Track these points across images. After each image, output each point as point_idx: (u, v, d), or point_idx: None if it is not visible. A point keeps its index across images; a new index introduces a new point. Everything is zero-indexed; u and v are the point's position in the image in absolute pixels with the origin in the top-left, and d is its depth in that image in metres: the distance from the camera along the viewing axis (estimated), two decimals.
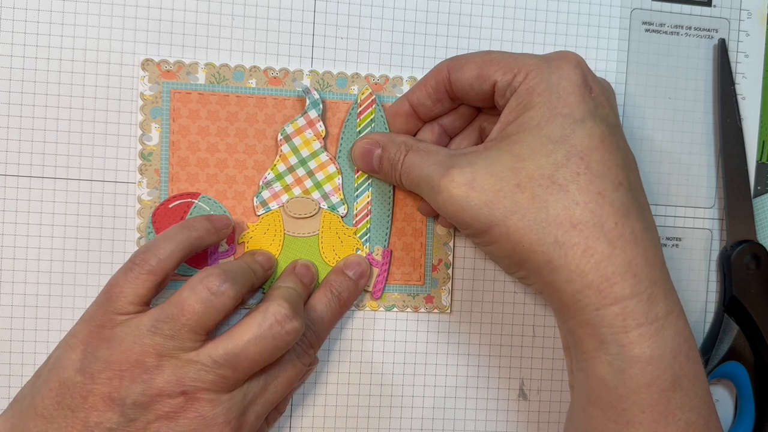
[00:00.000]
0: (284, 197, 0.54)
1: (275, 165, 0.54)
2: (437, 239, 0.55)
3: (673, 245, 0.58)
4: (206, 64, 0.52)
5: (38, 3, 0.51)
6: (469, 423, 0.56)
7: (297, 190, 0.54)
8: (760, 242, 0.57)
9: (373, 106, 0.53)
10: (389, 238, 0.55)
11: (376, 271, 0.55)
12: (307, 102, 0.53)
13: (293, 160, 0.54)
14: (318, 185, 0.54)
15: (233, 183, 0.53)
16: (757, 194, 0.58)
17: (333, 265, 0.54)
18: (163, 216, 0.52)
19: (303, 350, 0.50)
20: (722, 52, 0.57)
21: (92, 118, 0.52)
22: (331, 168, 0.54)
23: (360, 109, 0.54)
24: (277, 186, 0.54)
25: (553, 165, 0.44)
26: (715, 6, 0.58)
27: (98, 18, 0.51)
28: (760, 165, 0.58)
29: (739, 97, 0.58)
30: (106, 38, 0.52)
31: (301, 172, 0.54)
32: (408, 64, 0.54)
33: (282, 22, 0.53)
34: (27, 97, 0.51)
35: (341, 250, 0.55)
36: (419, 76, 0.54)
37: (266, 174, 0.53)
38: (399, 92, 0.54)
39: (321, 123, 0.53)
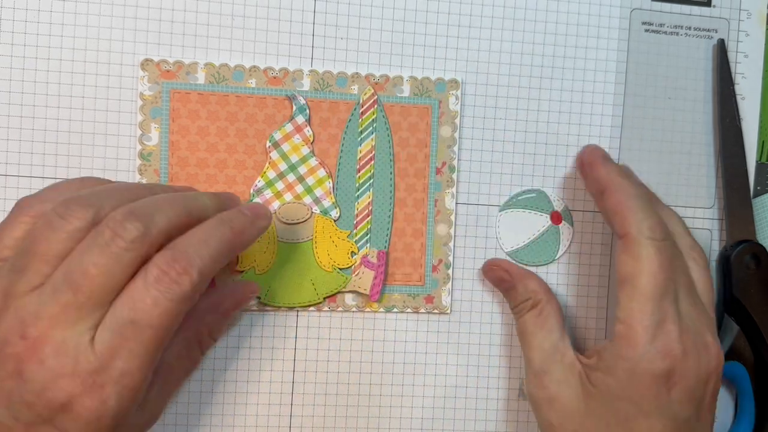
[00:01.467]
0: (275, 204, 0.54)
1: (265, 172, 0.54)
2: (437, 240, 0.55)
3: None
4: (206, 64, 0.52)
5: (38, 3, 0.51)
6: (469, 423, 0.57)
7: (288, 196, 0.54)
8: (760, 242, 0.57)
9: (375, 106, 0.54)
10: (390, 238, 0.55)
11: (372, 273, 0.55)
12: (294, 108, 0.53)
13: (283, 166, 0.54)
14: (309, 190, 0.54)
15: (233, 183, 0.53)
16: (757, 194, 0.58)
17: (329, 270, 0.54)
18: None
19: (168, 276, 0.40)
20: (722, 52, 0.57)
21: (92, 118, 0.52)
22: (321, 172, 0.54)
23: (362, 109, 0.54)
24: (268, 193, 0.54)
25: None
26: (714, 6, 0.58)
27: (98, 18, 0.51)
28: (759, 165, 0.58)
29: (738, 97, 0.58)
30: (106, 38, 0.52)
31: (291, 177, 0.54)
32: (408, 64, 0.54)
33: (282, 22, 0.53)
34: (27, 97, 0.51)
35: (336, 254, 0.55)
36: (420, 75, 0.54)
37: (256, 182, 0.53)
38: (399, 92, 0.54)
39: (309, 128, 0.53)
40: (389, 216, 0.55)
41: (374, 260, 0.55)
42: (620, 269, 0.48)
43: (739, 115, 0.57)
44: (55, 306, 0.38)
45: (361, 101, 0.54)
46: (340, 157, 0.54)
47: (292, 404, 0.55)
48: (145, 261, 0.40)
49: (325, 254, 0.54)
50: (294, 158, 0.54)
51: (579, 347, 0.55)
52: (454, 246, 0.56)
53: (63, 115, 0.51)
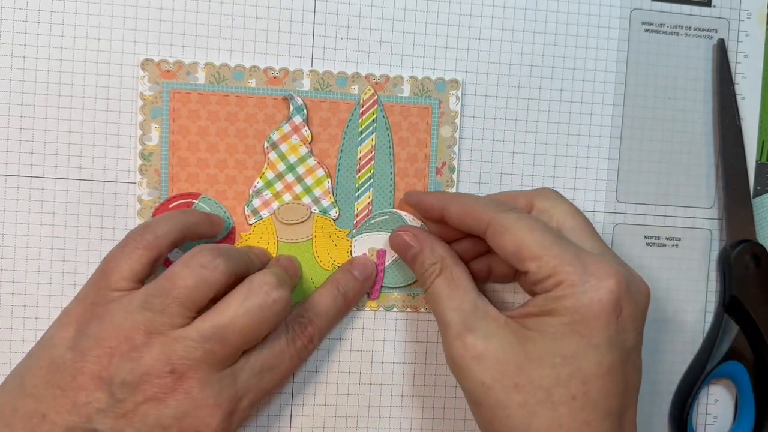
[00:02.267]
0: (275, 204, 0.54)
1: (263, 173, 0.54)
2: None
3: (672, 245, 0.58)
4: (206, 64, 0.52)
5: (38, 3, 0.51)
6: (469, 423, 0.56)
7: (287, 197, 0.54)
8: (760, 242, 0.57)
9: (375, 106, 0.54)
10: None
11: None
12: (291, 108, 0.53)
13: (281, 166, 0.54)
14: (308, 190, 0.54)
15: (233, 183, 0.53)
16: (757, 194, 0.58)
17: (329, 269, 0.55)
18: None
19: (301, 341, 0.49)
20: (722, 52, 0.57)
21: (93, 118, 0.52)
22: (320, 172, 0.54)
23: (362, 109, 0.54)
24: (267, 194, 0.54)
25: (554, 380, 0.44)
26: (714, 6, 0.58)
27: (98, 18, 0.51)
28: (759, 165, 0.58)
29: (738, 97, 0.58)
30: (107, 38, 0.52)
31: (290, 178, 0.54)
32: (408, 64, 0.54)
33: (282, 22, 0.53)
34: (27, 97, 0.51)
35: (335, 253, 0.55)
36: (420, 75, 0.54)
37: (255, 182, 0.54)
38: (399, 92, 0.54)
39: (306, 128, 0.53)
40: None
41: (374, 258, 0.55)
42: (506, 249, 0.46)
43: (739, 115, 0.57)
44: (203, 352, 0.44)
45: (361, 101, 0.54)
46: (340, 157, 0.54)
47: (292, 404, 0.55)
48: None
49: (324, 253, 0.55)
50: (292, 158, 0.54)
51: None
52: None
53: (63, 115, 0.51)
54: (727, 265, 0.57)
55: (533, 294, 0.47)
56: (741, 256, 0.56)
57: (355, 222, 0.54)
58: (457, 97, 0.55)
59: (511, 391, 0.44)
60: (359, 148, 0.54)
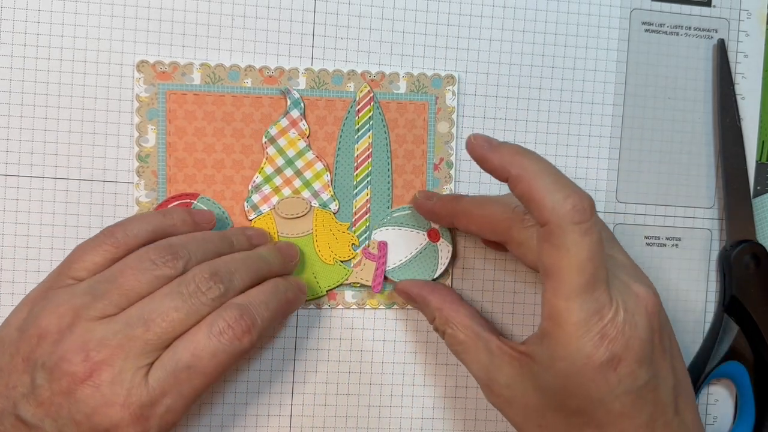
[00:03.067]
0: (274, 199, 0.54)
1: (262, 168, 0.54)
2: None
3: (672, 245, 0.58)
4: (201, 65, 0.52)
5: (38, 3, 0.51)
6: (469, 423, 0.56)
7: (286, 191, 0.54)
8: (760, 242, 0.57)
9: (372, 103, 0.54)
10: None
11: (373, 265, 0.55)
12: (288, 102, 0.53)
13: (280, 161, 0.54)
14: (307, 184, 0.54)
15: (231, 183, 0.53)
16: (757, 194, 0.58)
17: (330, 263, 0.54)
18: None
19: (229, 334, 0.43)
20: (722, 52, 0.57)
21: (92, 119, 0.52)
22: (319, 165, 0.54)
23: (359, 107, 0.54)
24: (267, 189, 0.54)
25: (568, 426, 0.45)
26: (714, 6, 0.58)
27: (98, 18, 0.52)
28: (759, 165, 0.58)
29: (738, 97, 0.58)
30: (106, 38, 0.52)
31: (289, 172, 0.54)
32: (408, 64, 0.54)
33: (282, 22, 0.53)
34: (27, 97, 0.51)
35: (336, 247, 0.54)
36: (416, 73, 0.54)
37: (254, 178, 0.54)
38: (395, 88, 0.54)
39: (304, 122, 0.53)
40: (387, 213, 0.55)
41: (375, 251, 0.55)
42: (543, 260, 0.43)
43: (739, 115, 0.57)
44: (124, 338, 0.42)
45: (357, 99, 0.54)
46: (338, 154, 0.54)
47: (292, 404, 0.55)
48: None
49: (326, 247, 0.54)
50: (291, 153, 0.54)
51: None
52: (453, 244, 0.56)
53: (63, 115, 0.52)
54: (727, 265, 0.57)
55: None
56: (741, 256, 0.56)
57: (353, 219, 0.54)
58: (454, 93, 0.55)
59: (536, 430, 0.46)
60: (356, 146, 0.54)
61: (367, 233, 0.55)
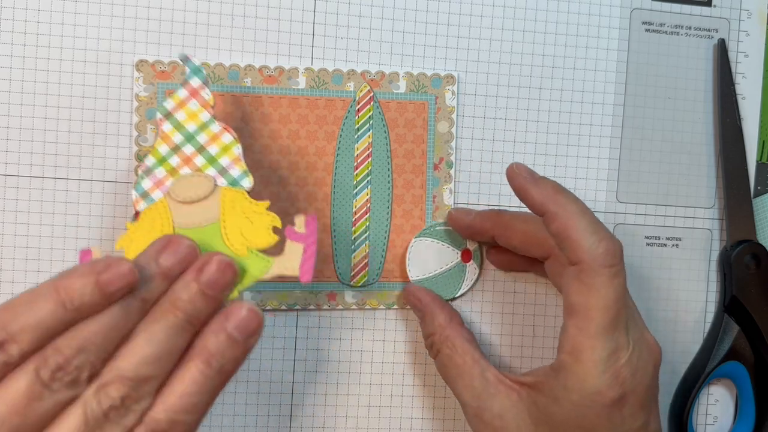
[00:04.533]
0: (169, 183, 0.45)
1: (156, 147, 0.45)
2: None
3: (673, 245, 0.58)
4: (201, 64, 0.52)
5: (38, 3, 0.51)
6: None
7: (185, 171, 0.45)
8: (760, 242, 0.57)
9: (372, 103, 0.54)
10: (388, 235, 0.55)
11: (301, 246, 0.45)
12: (187, 70, 0.46)
13: (177, 138, 0.45)
14: (212, 160, 0.45)
15: None
16: (757, 194, 0.58)
17: (244, 254, 0.43)
18: None
19: None
20: (722, 52, 0.57)
21: (91, 118, 0.52)
22: (227, 137, 0.45)
23: (358, 106, 0.54)
24: (160, 171, 0.45)
25: None
26: (715, 6, 0.58)
27: (98, 18, 0.52)
28: (760, 165, 0.58)
29: (738, 97, 0.58)
30: (106, 38, 0.52)
31: (189, 149, 0.45)
32: (408, 64, 0.54)
33: (282, 22, 0.53)
34: (27, 97, 0.51)
35: (252, 232, 0.44)
36: (416, 73, 0.54)
37: (145, 160, 0.45)
38: (395, 88, 0.54)
39: (207, 90, 0.46)
40: (387, 213, 0.54)
41: (302, 230, 0.45)
42: (571, 298, 0.44)
43: (739, 115, 0.57)
44: None
45: (357, 98, 0.54)
46: (337, 154, 0.54)
47: (292, 404, 0.55)
48: None
49: (237, 235, 0.44)
50: (191, 127, 0.45)
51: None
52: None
53: (63, 115, 0.52)
54: (727, 265, 0.57)
55: None
56: (741, 256, 0.56)
57: (353, 220, 0.54)
58: (453, 93, 0.55)
59: None
60: (356, 145, 0.54)
61: (368, 233, 0.54)
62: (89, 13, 0.51)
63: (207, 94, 0.46)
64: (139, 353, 0.35)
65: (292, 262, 0.44)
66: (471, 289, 0.56)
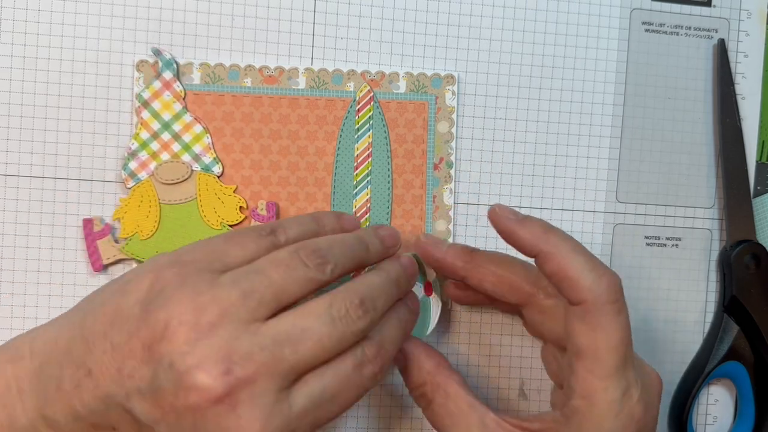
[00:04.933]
0: (153, 165, 0.52)
1: (138, 133, 0.52)
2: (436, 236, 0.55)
3: (673, 245, 0.58)
4: (201, 64, 0.52)
5: (38, 3, 0.51)
6: None
7: (165, 156, 0.52)
8: (760, 242, 0.57)
9: (372, 103, 0.54)
10: None
11: None
12: (160, 64, 0.52)
13: (155, 125, 0.52)
14: (186, 147, 0.52)
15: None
16: (757, 194, 0.58)
17: (218, 227, 0.53)
18: None
19: (371, 368, 0.42)
20: (722, 52, 0.57)
21: (92, 118, 0.52)
22: (198, 128, 0.52)
23: (358, 106, 0.54)
24: (144, 155, 0.52)
25: None
26: (714, 6, 0.58)
27: (98, 18, 0.52)
28: (759, 165, 0.58)
29: (738, 97, 0.58)
30: (106, 38, 0.52)
31: (166, 136, 0.52)
32: (408, 64, 0.54)
33: (282, 22, 0.53)
34: (27, 97, 0.51)
35: (223, 210, 0.53)
36: (416, 73, 0.54)
37: (130, 144, 0.52)
38: (395, 88, 0.54)
39: (178, 83, 0.52)
40: (387, 213, 0.54)
41: (264, 212, 0.53)
42: (577, 340, 0.42)
43: (739, 115, 0.57)
44: (270, 356, 0.38)
45: (357, 98, 0.54)
46: (338, 154, 0.54)
47: None
48: None
49: (212, 212, 0.53)
50: (166, 116, 0.52)
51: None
52: (453, 242, 0.55)
53: (63, 115, 0.52)
54: (727, 265, 0.57)
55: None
56: (741, 256, 0.56)
57: None
58: (453, 93, 0.55)
59: None
60: (356, 146, 0.54)
61: None
62: (89, 13, 0.52)
63: (178, 86, 0.52)
64: (369, 282, 0.43)
65: None
66: (437, 324, 0.54)
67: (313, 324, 0.39)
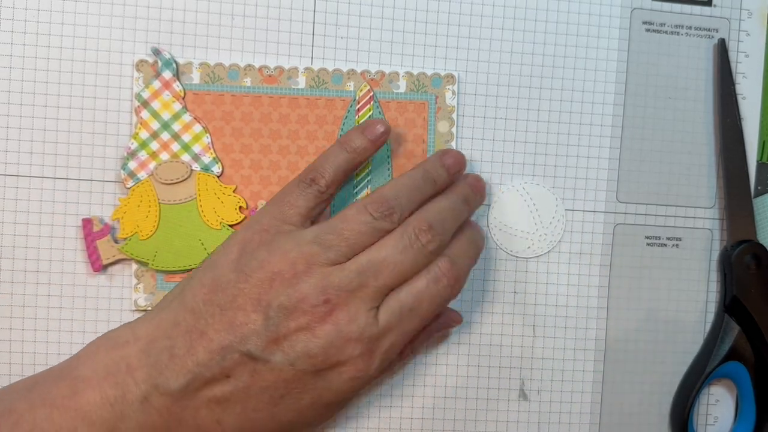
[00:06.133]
0: (152, 165, 0.52)
1: (137, 133, 0.52)
2: None
3: (673, 245, 0.58)
4: (201, 64, 0.52)
5: (38, 3, 0.51)
6: (470, 423, 0.56)
7: (164, 156, 0.53)
8: (761, 242, 0.57)
9: (372, 102, 0.54)
10: None
11: None
12: (159, 64, 0.52)
13: (155, 125, 0.52)
14: (186, 147, 0.53)
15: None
16: (758, 194, 0.58)
17: (217, 228, 0.53)
18: None
19: (444, 281, 0.48)
20: (722, 51, 0.57)
21: (91, 118, 0.52)
22: (197, 128, 0.53)
23: (358, 106, 0.54)
24: (143, 155, 0.52)
25: None
26: (715, 6, 0.58)
27: (98, 18, 0.52)
28: (760, 165, 0.58)
29: (739, 97, 0.58)
30: (106, 38, 0.52)
31: (165, 136, 0.52)
32: (408, 63, 0.54)
33: (282, 21, 0.53)
34: (27, 97, 0.51)
35: (223, 210, 0.53)
36: (416, 72, 0.54)
37: (129, 143, 0.52)
38: (395, 87, 0.54)
39: (178, 83, 0.52)
40: None
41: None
42: None
43: (739, 115, 0.57)
44: (357, 284, 0.45)
45: (357, 98, 0.54)
46: None
47: None
48: None
49: (211, 212, 0.53)
50: (166, 115, 0.52)
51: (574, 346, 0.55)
52: None
53: (62, 115, 0.52)
54: (727, 265, 0.56)
55: None
56: (741, 256, 0.56)
57: None
58: (453, 92, 0.55)
59: None
60: None
61: None
62: (89, 12, 0.52)
63: (178, 86, 0.52)
64: (437, 207, 0.49)
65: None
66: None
67: (388, 254, 0.46)
